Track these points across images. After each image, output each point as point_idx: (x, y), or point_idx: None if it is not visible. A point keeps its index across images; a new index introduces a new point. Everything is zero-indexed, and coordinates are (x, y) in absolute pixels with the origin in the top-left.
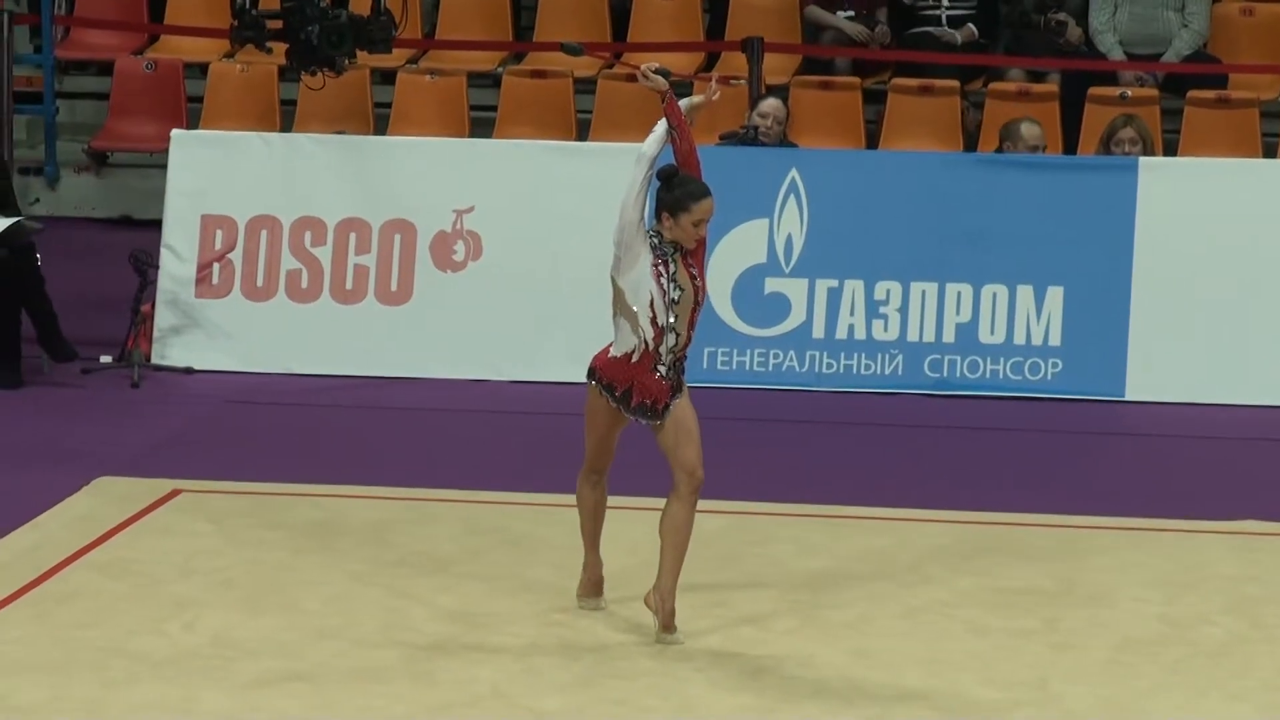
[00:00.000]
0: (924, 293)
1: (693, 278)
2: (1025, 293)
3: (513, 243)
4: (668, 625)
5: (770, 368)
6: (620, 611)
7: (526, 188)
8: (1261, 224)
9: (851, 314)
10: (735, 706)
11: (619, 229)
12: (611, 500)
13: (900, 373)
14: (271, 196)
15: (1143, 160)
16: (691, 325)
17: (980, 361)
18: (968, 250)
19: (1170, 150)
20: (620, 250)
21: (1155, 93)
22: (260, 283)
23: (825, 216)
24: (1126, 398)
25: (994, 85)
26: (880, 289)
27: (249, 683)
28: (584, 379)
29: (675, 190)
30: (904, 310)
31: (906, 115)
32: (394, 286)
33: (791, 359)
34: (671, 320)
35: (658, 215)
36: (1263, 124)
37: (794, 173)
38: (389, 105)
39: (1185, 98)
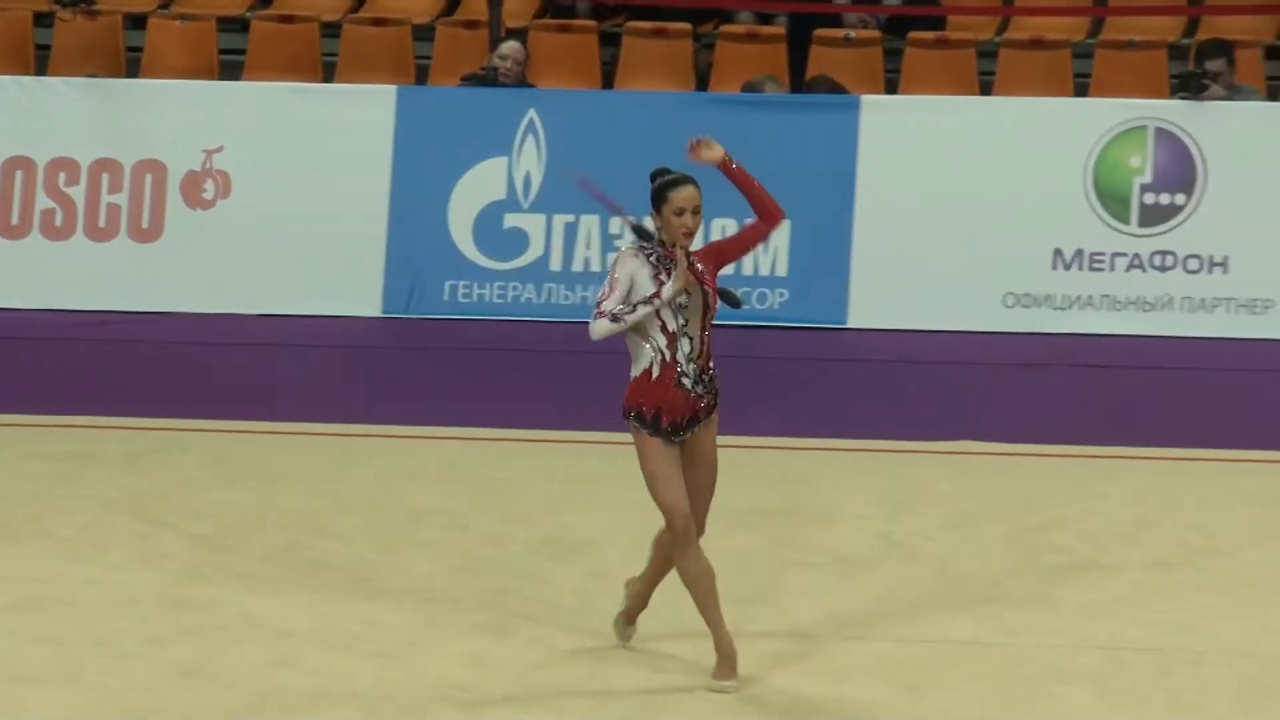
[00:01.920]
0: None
1: (701, 282)
2: None
3: (261, 181)
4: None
5: (509, 299)
6: (360, 536)
7: (274, 128)
8: (976, 158)
9: (587, 247)
10: (419, 620)
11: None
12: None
13: None
14: (26, 138)
15: (865, 98)
16: (704, 329)
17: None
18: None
19: (892, 89)
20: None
21: (877, 34)
22: (15, 221)
23: (562, 154)
24: (849, 325)
25: (724, 28)
26: (615, 223)
27: (2, 608)
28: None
29: (655, 184)
30: None
31: (641, 57)
32: (145, 224)
33: (529, 291)
34: (682, 324)
35: (652, 217)
36: (979, 63)
37: (532, 112)
38: (140, 49)
39: (906, 39)
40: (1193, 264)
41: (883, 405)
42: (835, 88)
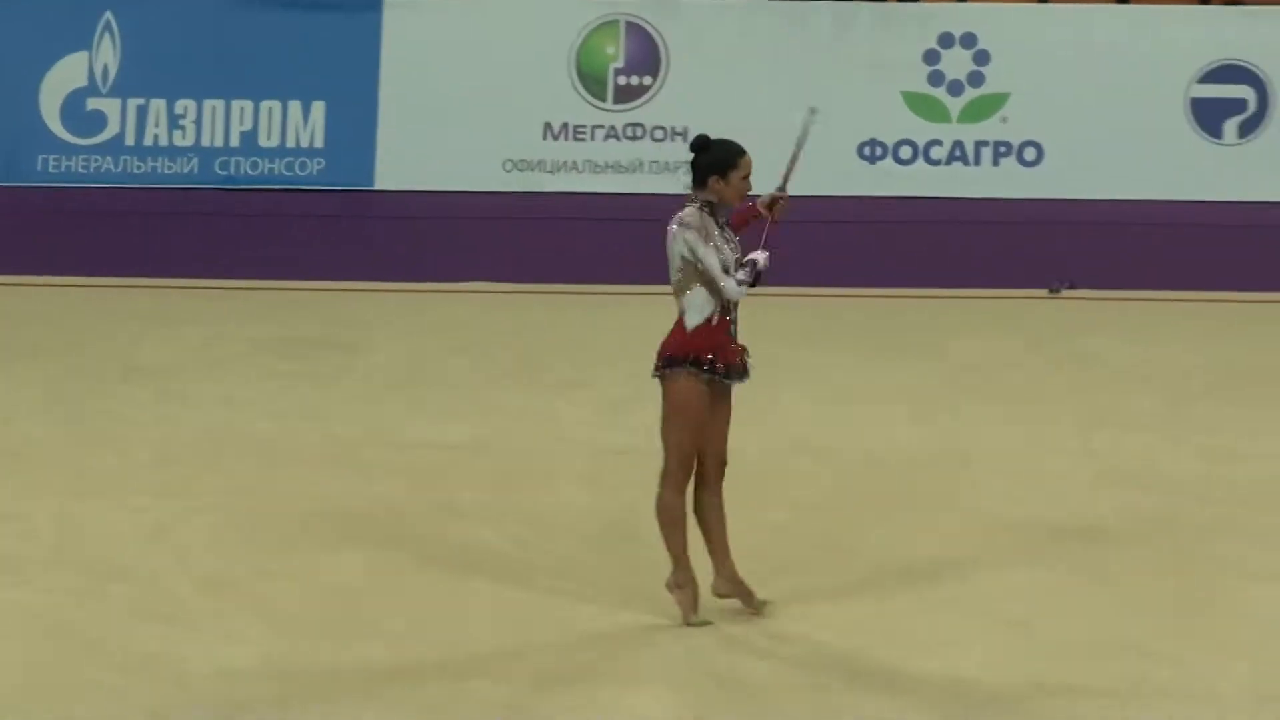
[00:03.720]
0: (215, 108)
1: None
2: (295, 107)
3: None
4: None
5: (92, 170)
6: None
7: None
8: (480, 48)
9: (157, 126)
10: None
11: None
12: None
13: (196, 172)
14: None
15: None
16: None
17: (260, 161)
18: (249, 72)
19: None
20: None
21: None
22: None
23: (135, 49)
24: (376, 187)
25: None
26: (179, 105)
27: None
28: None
29: (717, 152)
30: (199, 122)
31: None
32: None
33: (108, 162)
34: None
35: (704, 182)
36: None
37: (109, 14)
38: None
39: None
40: (659, 134)
41: (406, 253)
42: None
